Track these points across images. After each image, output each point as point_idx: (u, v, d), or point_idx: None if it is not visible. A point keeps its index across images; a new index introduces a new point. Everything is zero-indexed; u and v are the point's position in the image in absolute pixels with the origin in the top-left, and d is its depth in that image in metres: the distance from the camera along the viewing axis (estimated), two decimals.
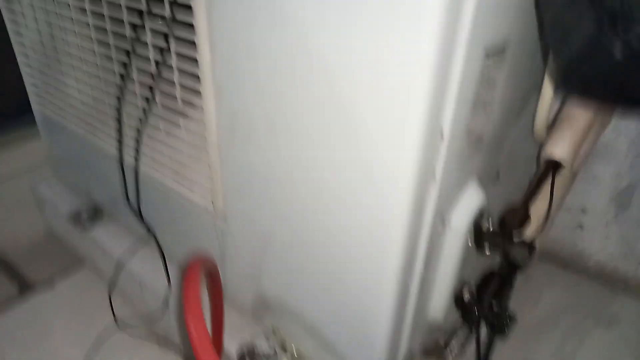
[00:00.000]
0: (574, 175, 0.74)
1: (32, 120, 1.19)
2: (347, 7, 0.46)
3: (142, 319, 1.08)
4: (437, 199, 0.55)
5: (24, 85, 1.13)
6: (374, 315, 0.63)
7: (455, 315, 0.74)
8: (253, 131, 0.63)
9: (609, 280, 1.24)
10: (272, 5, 0.52)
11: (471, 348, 0.81)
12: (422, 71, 0.44)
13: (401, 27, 0.43)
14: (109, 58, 0.81)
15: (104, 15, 0.76)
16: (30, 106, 1.16)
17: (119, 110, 0.81)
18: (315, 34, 0.50)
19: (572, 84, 0.51)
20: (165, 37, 0.66)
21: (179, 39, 0.66)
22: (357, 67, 0.48)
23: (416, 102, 0.46)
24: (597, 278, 1.26)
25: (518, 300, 1.17)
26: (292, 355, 0.82)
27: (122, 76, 0.79)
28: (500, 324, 0.69)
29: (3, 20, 1.04)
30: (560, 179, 0.72)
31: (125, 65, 0.77)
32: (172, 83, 0.71)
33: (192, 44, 0.63)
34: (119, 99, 0.80)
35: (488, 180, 0.70)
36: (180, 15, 0.62)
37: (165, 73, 0.71)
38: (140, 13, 0.68)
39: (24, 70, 1.09)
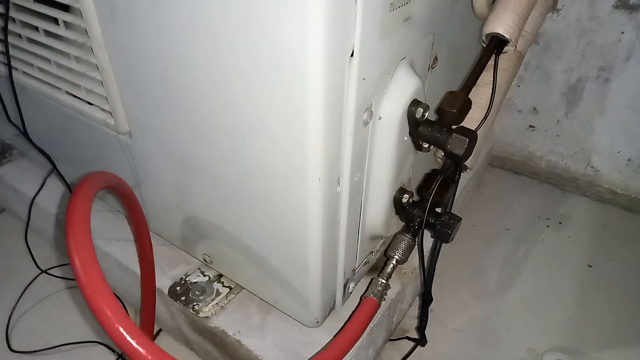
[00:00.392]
0: (519, 57, 0.67)
1: None
2: None
3: (63, 259, 0.99)
4: (358, 81, 0.46)
5: None
6: (302, 231, 0.55)
7: (400, 223, 0.68)
8: (135, 10, 0.51)
9: (560, 180, 1.22)
10: None
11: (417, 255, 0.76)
12: None
13: None
14: None
15: None
16: None
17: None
18: None
19: None
20: None
21: None
22: None
23: None
24: (548, 179, 1.23)
25: (470, 207, 1.15)
26: (227, 283, 0.76)
27: None
28: (443, 227, 0.63)
29: None
30: (505, 59, 0.64)
31: None
32: None
33: None
34: None
35: (424, 65, 0.61)
36: None
37: None
38: None
39: None
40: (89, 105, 0.69)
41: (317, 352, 0.65)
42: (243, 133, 0.52)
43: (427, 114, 0.56)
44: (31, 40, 0.69)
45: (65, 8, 0.60)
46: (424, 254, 0.72)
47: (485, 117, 0.63)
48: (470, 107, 0.59)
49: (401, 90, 0.54)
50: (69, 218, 0.43)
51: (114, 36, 0.57)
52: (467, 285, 0.96)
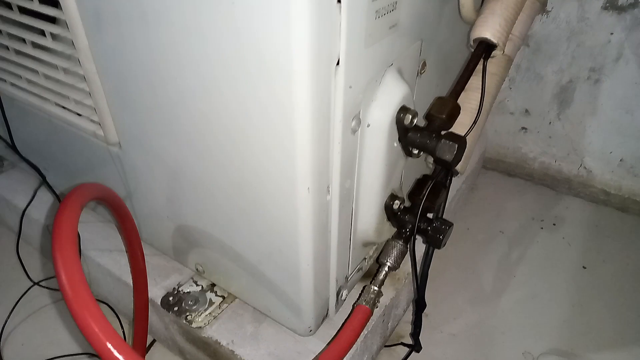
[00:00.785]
0: (508, 61, 0.67)
1: None
2: None
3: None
4: (345, 89, 0.46)
5: None
6: (293, 239, 0.55)
7: (392, 229, 0.68)
8: (122, 22, 0.51)
9: (553, 182, 1.22)
10: None
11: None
12: None
13: None
14: None
15: None
16: None
17: None
18: None
19: None
20: None
21: None
22: None
23: None
24: (542, 181, 1.24)
25: (464, 210, 1.15)
26: (220, 292, 0.75)
27: None
28: (435, 233, 0.63)
29: None
30: (493, 63, 0.64)
31: None
32: None
33: None
34: None
35: (413, 71, 0.61)
36: None
37: None
38: None
39: None
40: (77, 116, 0.69)
41: None
42: (233, 143, 0.52)
43: (416, 120, 0.56)
44: (18, 52, 0.68)
45: (52, 20, 0.60)
46: (417, 259, 0.72)
47: (474, 122, 0.63)
48: (459, 112, 0.59)
49: (389, 97, 0.54)
50: (55, 232, 0.42)
51: (101, 47, 0.56)
52: (462, 289, 0.96)
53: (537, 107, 1.15)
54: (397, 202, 0.64)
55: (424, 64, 0.63)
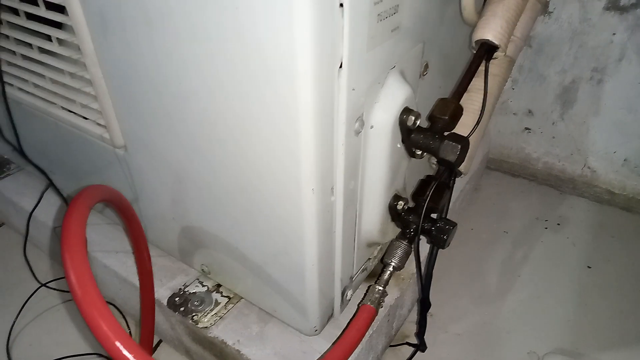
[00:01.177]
0: (510, 62, 0.67)
1: None
2: None
3: (63, 272, 0.99)
4: (348, 92, 0.46)
5: None
6: (298, 240, 0.55)
7: (396, 230, 0.68)
8: (127, 26, 0.52)
9: (557, 182, 1.22)
10: None
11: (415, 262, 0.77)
12: None
13: None
14: None
15: None
16: None
17: None
18: None
19: None
20: None
21: None
22: None
23: None
24: (545, 181, 1.24)
25: (468, 210, 1.15)
26: (226, 293, 0.76)
27: None
28: (439, 233, 0.63)
29: None
30: (495, 64, 0.65)
31: None
32: None
33: None
34: None
35: (415, 73, 0.61)
36: None
37: None
38: None
39: None
40: (84, 119, 0.70)
41: None
42: (237, 146, 0.52)
43: (418, 122, 0.57)
44: (25, 57, 0.69)
45: (58, 25, 0.61)
46: (421, 260, 0.73)
47: (477, 123, 0.63)
48: (462, 114, 0.60)
49: (392, 99, 0.54)
50: (64, 234, 0.43)
51: (107, 52, 0.57)
52: (467, 289, 0.96)
53: (540, 108, 1.16)
54: (401, 202, 0.64)
55: (426, 66, 0.63)
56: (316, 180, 0.49)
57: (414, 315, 0.91)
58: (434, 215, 0.66)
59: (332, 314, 0.68)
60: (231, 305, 0.74)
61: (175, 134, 0.58)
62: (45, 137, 0.80)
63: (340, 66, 0.44)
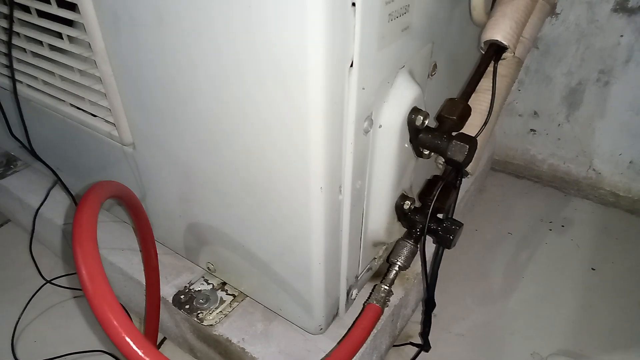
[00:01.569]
0: (518, 63, 0.67)
1: None
2: None
3: (68, 268, 1.00)
4: (358, 90, 0.46)
5: None
6: (305, 238, 0.56)
7: (402, 230, 0.68)
8: (138, 24, 0.52)
9: (562, 184, 1.22)
10: None
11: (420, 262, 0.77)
12: None
13: None
14: None
15: None
16: None
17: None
18: None
19: None
20: None
21: None
22: None
23: None
24: (550, 183, 1.24)
25: (472, 211, 1.15)
26: (231, 291, 0.76)
27: None
28: (445, 233, 0.63)
29: None
30: (504, 65, 0.65)
31: None
32: None
33: None
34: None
35: (424, 73, 0.61)
36: None
37: None
38: None
39: None
40: (93, 117, 0.70)
41: (321, 359, 0.65)
42: (246, 143, 0.53)
43: (427, 122, 0.57)
44: (35, 54, 0.70)
45: (69, 23, 0.61)
46: (427, 259, 0.73)
47: (485, 123, 0.64)
48: (470, 114, 0.60)
49: (401, 99, 0.54)
50: (76, 227, 0.43)
51: (117, 50, 0.57)
52: (471, 289, 0.96)
53: (546, 109, 1.16)
54: (407, 202, 0.64)
55: (435, 66, 0.63)
56: (325, 178, 0.49)
57: (417, 316, 0.91)
58: (440, 216, 0.66)
59: (337, 313, 0.68)
60: (236, 304, 0.74)
61: (183, 132, 0.58)
62: (53, 134, 0.81)
63: (351, 65, 0.44)
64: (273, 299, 0.68)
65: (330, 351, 0.67)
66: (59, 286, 0.95)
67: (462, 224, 0.64)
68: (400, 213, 0.65)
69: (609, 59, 1.02)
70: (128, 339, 0.38)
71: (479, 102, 0.64)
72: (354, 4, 0.41)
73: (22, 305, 0.91)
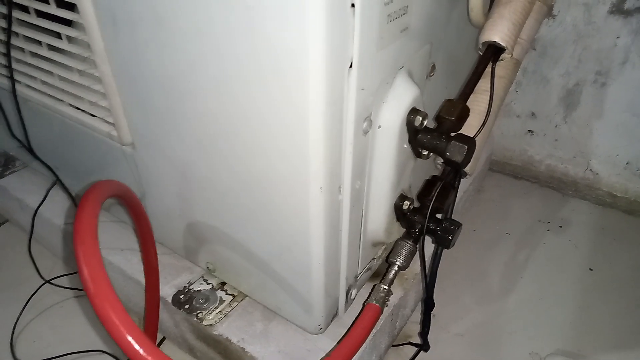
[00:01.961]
0: (516, 64, 0.68)
1: None
2: None
3: (67, 268, 1.00)
4: (357, 91, 0.47)
5: None
6: (304, 238, 0.56)
7: (401, 230, 0.69)
8: (137, 24, 0.52)
9: (559, 184, 1.22)
10: None
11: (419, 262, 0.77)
12: None
13: None
14: None
15: None
16: None
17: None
18: None
19: None
20: None
21: None
22: None
23: None
24: (548, 183, 1.24)
25: (470, 212, 1.15)
26: (230, 291, 0.77)
27: None
28: (444, 233, 0.63)
29: None
30: (502, 66, 0.65)
31: None
32: None
33: None
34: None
35: (422, 74, 0.62)
36: None
37: None
38: None
39: None
40: (92, 117, 0.70)
41: (321, 359, 0.65)
42: (245, 143, 0.53)
43: (425, 122, 0.57)
44: (34, 54, 0.70)
45: (68, 23, 0.61)
46: (425, 259, 0.73)
47: (483, 124, 0.64)
48: (468, 115, 0.60)
49: (400, 99, 0.55)
50: (77, 226, 0.43)
51: (117, 50, 0.58)
52: (469, 290, 0.97)
53: (544, 110, 1.16)
54: (406, 202, 0.65)
55: (433, 67, 0.64)
56: (324, 178, 0.50)
57: (416, 316, 0.91)
58: (439, 216, 0.66)
59: (336, 312, 0.68)
60: (236, 303, 0.75)
61: (182, 132, 0.59)
62: (53, 134, 0.81)
63: (351, 66, 0.44)
64: (272, 298, 0.68)
65: (329, 351, 0.67)
66: (58, 286, 0.95)
67: (461, 224, 0.64)
68: (399, 213, 0.66)
69: (605, 60, 1.02)
70: (130, 338, 0.38)
71: (477, 103, 0.64)
72: (353, 5, 0.41)
73: (21, 305, 0.91)
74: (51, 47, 0.66)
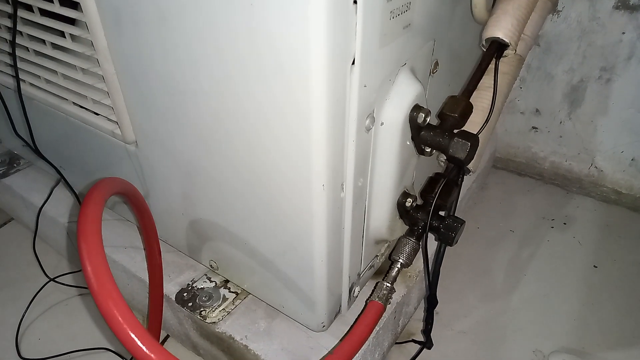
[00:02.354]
0: (519, 60, 0.67)
1: None
2: None
3: (72, 266, 1.00)
4: (360, 88, 0.46)
5: None
6: (307, 236, 0.56)
7: (404, 227, 0.69)
8: (140, 23, 0.52)
9: (564, 181, 1.22)
10: None
11: (422, 259, 0.77)
12: None
13: None
14: None
15: None
16: None
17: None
18: None
19: None
20: None
21: None
22: None
23: None
24: (552, 180, 1.24)
25: (474, 209, 1.15)
26: (234, 289, 0.77)
27: None
28: (447, 230, 0.63)
29: None
30: (505, 62, 0.65)
31: None
32: None
33: None
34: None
35: (425, 70, 0.62)
36: None
37: None
38: None
39: None
40: (95, 115, 0.70)
41: (324, 356, 0.65)
42: (248, 141, 0.53)
43: (428, 119, 0.57)
44: (38, 53, 0.70)
45: (72, 21, 0.61)
46: (429, 257, 0.73)
47: (486, 121, 0.64)
48: (472, 111, 0.60)
49: (402, 96, 0.54)
50: (81, 223, 0.43)
51: (120, 48, 0.58)
52: (473, 287, 0.96)
53: (548, 107, 1.16)
54: (409, 199, 0.65)
55: (437, 64, 0.63)
56: (327, 176, 0.50)
57: (419, 313, 0.91)
58: (442, 213, 0.66)
59: (339, 310, 0.68)
60: (239, 301, 0.75)
61: (185, 130, 0.59)
62: (56, 133, 0.81)
63: (353, 63, 0.44)
64: (275, 296, 0.68)
65: (332, 348, 0.67)
66: (63, 284, 0.96)
67: (464, 222, 0.64)
68: (402, 210, 0.66)
69: (610, 56, 1.02)
70: (133, 335, 0.38)
71: (481, 99, 0.64)
72: (355, 2, 0.41)
73: (26, 303, 0.92)
74: (55, 46, 0.66)
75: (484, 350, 0.85)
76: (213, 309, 0.73)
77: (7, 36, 0.70)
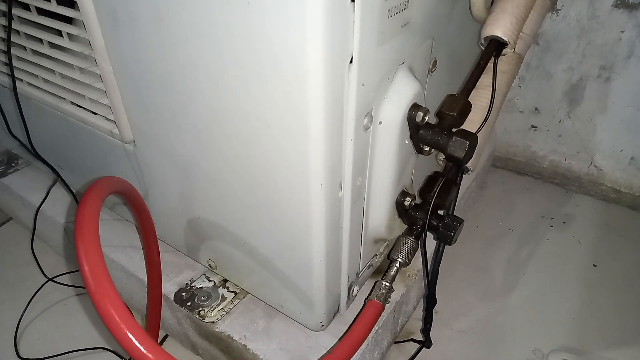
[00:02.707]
0: (518, 59, 0.67)
1: None
2: None
3: (70, 266, 1.00)
4: (358, 87, 0.46)
5: None
6: (305, 235, 0.56)
7: (402, 226, 0.68)
8: (138, 22, 0.52)
9: (563, 180, 1.22)
10: None
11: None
12: None
13: None
14: None
15: None
16: None
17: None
18: None
19: None
20: None
21: None
22: None
23: None
24: (551, 179, 1.24)
25: (473, 208, 1.15)
26: (232, 288, 0.77)
27: None
28: (446, 229, 0.63)
29: None
30: (504, 61, 0.65)
31: None
32: None
33: None
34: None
35: (424, 69, 0.61)
36: None
37: None
38: None
39: None
40: (93, 114, 0.70)
41: (323, 355, 0.65)
42: (245, 140, 0.53)
43: (427, 118, 0.57)
44: (35, 52, 0.70)
45: (69, 20, 0.61)
46: (428, 256, 0.73)
47: (485, 119, 0.63)
48: (470, 110, 0.60)
49: (401, 95, 0.54)
50: (78, 222, 0.43)
51: (117, 47, 0.57)
52: (472, 286, 0.96)
53: (547, 106, 1.15)
54: (408, 199, 0.64)
55: (435, 62, 0.63)
56: (325, 175, 0.49)
57: (418, 312, 0.91)
58: (441, 212, 0.66)
59: (338, 309, 0.68)
60: (237, 301, 0.75)
61: (183, 130, 0.59)
62: (54, 132, 0.81)
63: (351, 61, 0.44)
64: (274, 295, 0.68)
65: (331, 347, 0.67)
66: (61, 284, 0.95)
67: (463, 221, 0.64)
68: (400, 210, 0.65)
69: (610, 54, 1.02)
70: (130, 335, 0.38)
71: (480, 98, 0.64)
72: (353, 0, 0.40)
73: (25, 303, 0.91)
74: (52, 45, 0.66)
75: (483, 349, 0.85)
76: (212, 309, 0.73)
77: (3, 35, 0.70)
